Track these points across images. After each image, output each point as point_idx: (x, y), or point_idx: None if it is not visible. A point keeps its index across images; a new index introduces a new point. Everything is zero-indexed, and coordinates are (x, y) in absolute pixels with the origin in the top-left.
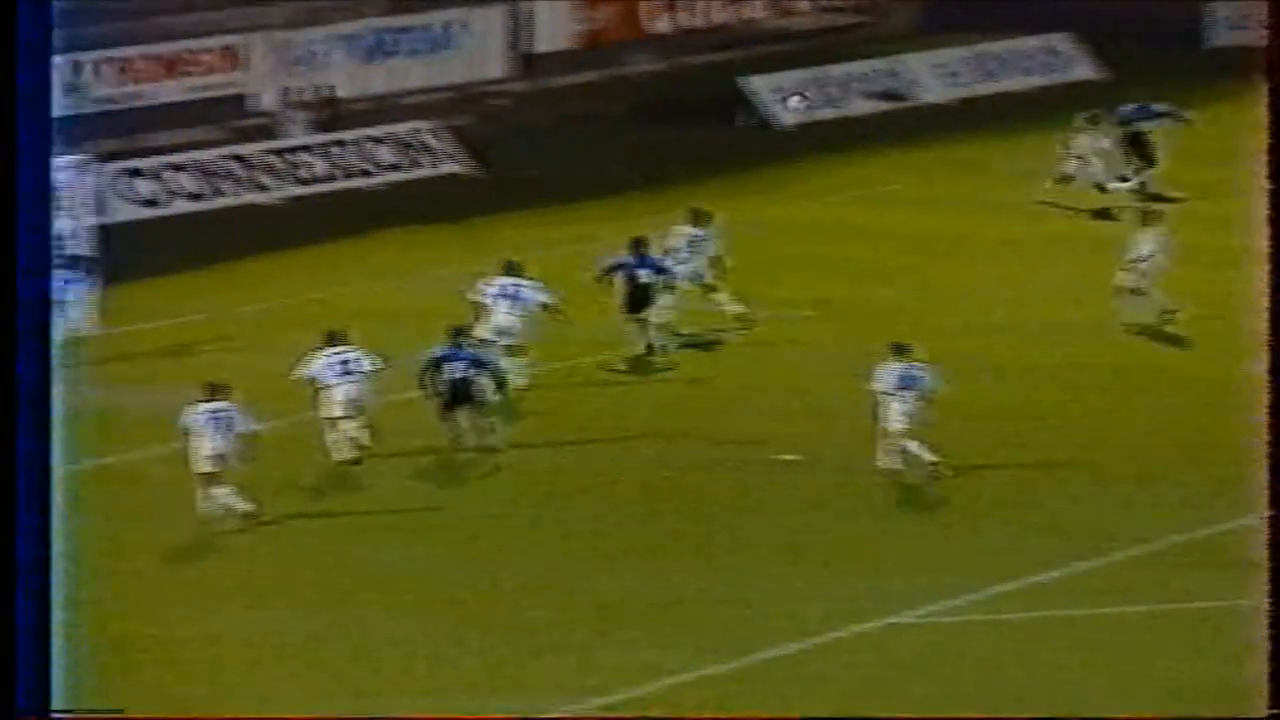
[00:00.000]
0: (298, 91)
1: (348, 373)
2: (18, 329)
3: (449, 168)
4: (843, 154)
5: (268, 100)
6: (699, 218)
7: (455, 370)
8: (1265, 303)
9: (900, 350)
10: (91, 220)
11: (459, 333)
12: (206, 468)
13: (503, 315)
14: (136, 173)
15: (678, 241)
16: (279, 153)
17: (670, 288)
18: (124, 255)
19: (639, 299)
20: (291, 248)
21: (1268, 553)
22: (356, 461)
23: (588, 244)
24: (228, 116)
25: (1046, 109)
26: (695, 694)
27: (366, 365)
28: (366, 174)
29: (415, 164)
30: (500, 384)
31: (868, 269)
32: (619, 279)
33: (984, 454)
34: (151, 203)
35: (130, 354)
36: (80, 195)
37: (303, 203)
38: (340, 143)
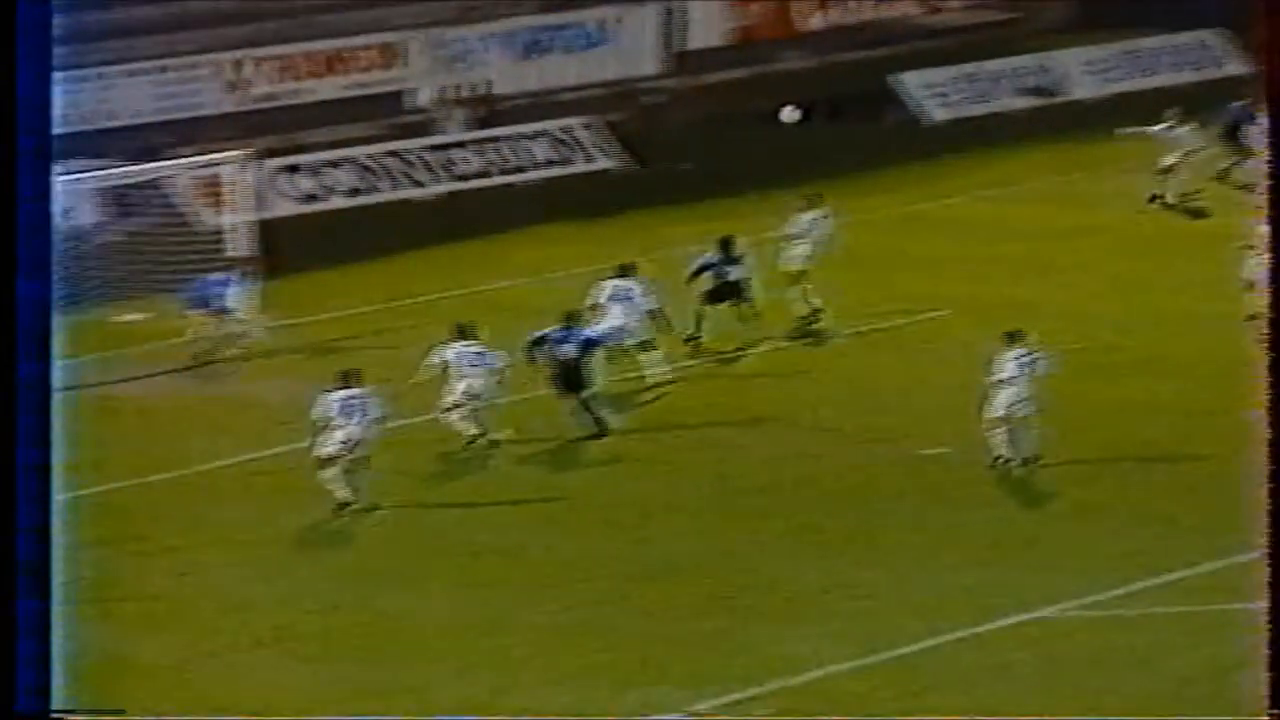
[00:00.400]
0: (454, 89)
1: (474, 365)
2: (18, 329)
3: (602, 163)
4: (991, 150)
5: (425, 97)
6: (811, 202)
7: (567, 351)
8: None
9: (1013, 337)
10: (251, 216)
11: (571, 317)
12: (330, 452)
13: (617, 317)
14: (296, 169)
15: (795, 228)
16: (435, 149)
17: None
18: (283, 250)
19: (723, 294)
20: (447, 243)
21: (1268, 553)
22: (472, 441)
23: (740, 238)
24: (385, 113)
25: (1197, 104)
26: (836, 686)
27: (491, 361)
28: (521, 170)
29: (569, 160)
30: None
31: (1011, 265)
32: (707, 277)
33: (1124, 448)
34: (311, 198)
35: (285, 349)
36: (241, 191)
37: (458, 198)
38: (495, 139)
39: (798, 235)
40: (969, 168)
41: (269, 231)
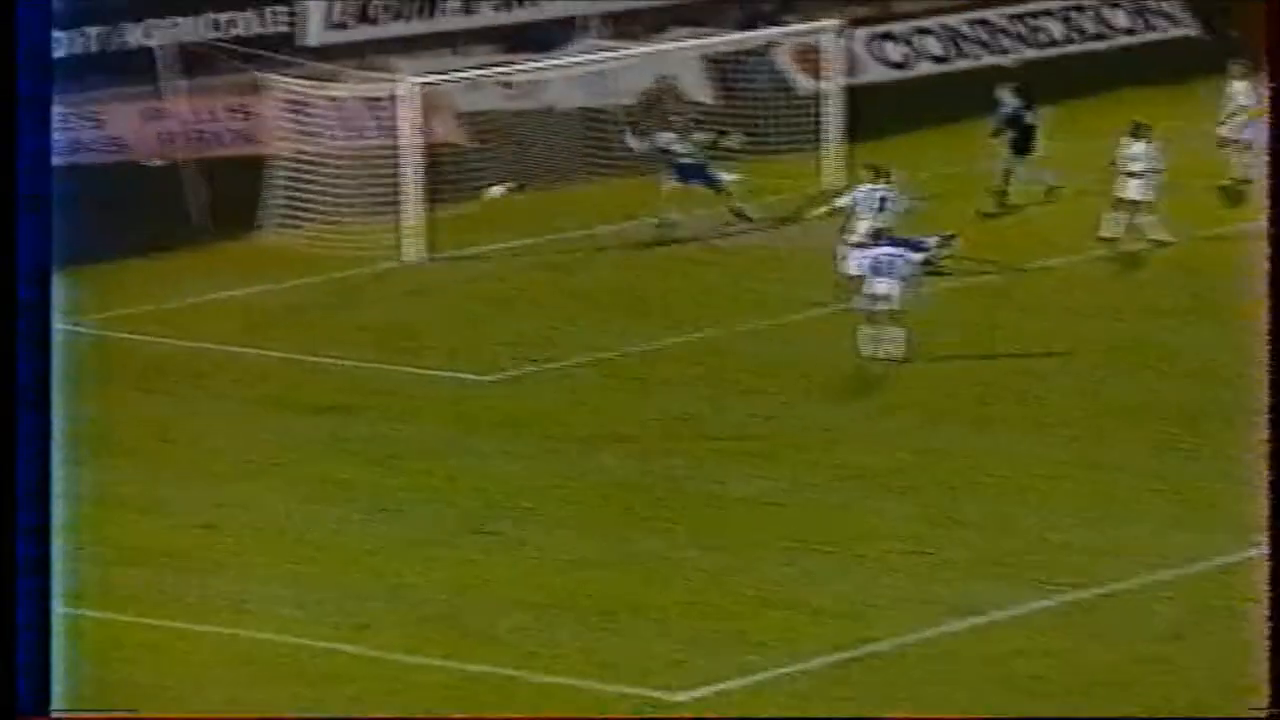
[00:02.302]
0: None
1: (877, 208)
2: (18, 329)
3: (1180, 31)
4: None
5: None
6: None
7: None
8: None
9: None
10: (841, 82)
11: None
12: (870, 307)
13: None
14: (888, 36)
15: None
16: (1019, 17)
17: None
18: (871, 115)
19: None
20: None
21: (1268, 554)
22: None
23: None
24: None
25: None
26: None
27: (895, 204)
28: (1101, 38)
29: (1150, 28)
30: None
31: None
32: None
33: None
34: (899, 65)
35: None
36: (836, 58)
37: (1036, 66)
38: (1080, 8)
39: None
40: None
41: (858, 97)
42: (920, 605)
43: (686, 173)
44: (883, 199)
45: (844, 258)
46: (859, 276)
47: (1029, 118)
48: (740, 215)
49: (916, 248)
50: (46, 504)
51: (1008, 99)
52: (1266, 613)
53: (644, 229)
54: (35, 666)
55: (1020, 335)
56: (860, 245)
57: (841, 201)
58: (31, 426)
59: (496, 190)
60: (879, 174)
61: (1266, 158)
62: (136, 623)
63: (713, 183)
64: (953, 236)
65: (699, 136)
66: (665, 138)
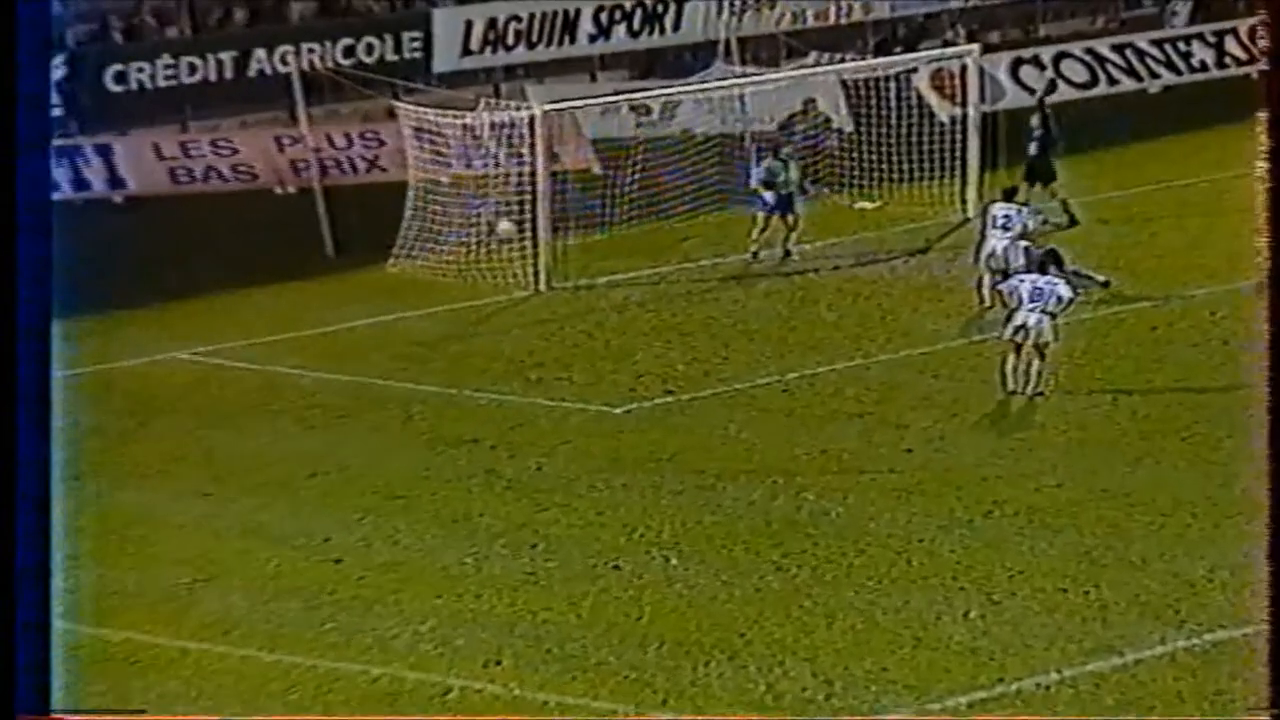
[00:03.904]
0: None
1: (1006, 228)
2: (18, 328)
3: None
4: None
5: None
6: None
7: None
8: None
9: None
10: (984, 109)
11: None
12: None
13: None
14: (1028, 61)
15: None
16: (1160, 43)
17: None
18: (1013, 141)
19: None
20: (1166, 135)
21: (1268, 554)
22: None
23: None
24: (1114, 7)
25: None
26: None
27: (1016, 222)
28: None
29: None
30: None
31: None
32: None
33: None
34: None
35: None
36: (973, 84)
37: (1174, 91)
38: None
39: None
40: None
41: (997, 123)
42: (1069, 645)
43: (777, 204)
44: (1010, 219)
45: (987, 284)
46: (1008, 306)
47: (1041, 146)
48: (786, 255)
49: (1070, 283)
50: (47, 505)
51: (1034, 125)
52: (1266, 613)
53: (778, 257)
54: (35, 666)
55: (1178, 366)
56: (1013, 273)
57: (971, 223)
58: (32, 427)
59: (505, 226)
60: (1009, 194)
61: (1267, 159)
62: (278, 661)
63: (789, 215)
64: (1106, 283)
65: (794, 172)
66: (774, 166)
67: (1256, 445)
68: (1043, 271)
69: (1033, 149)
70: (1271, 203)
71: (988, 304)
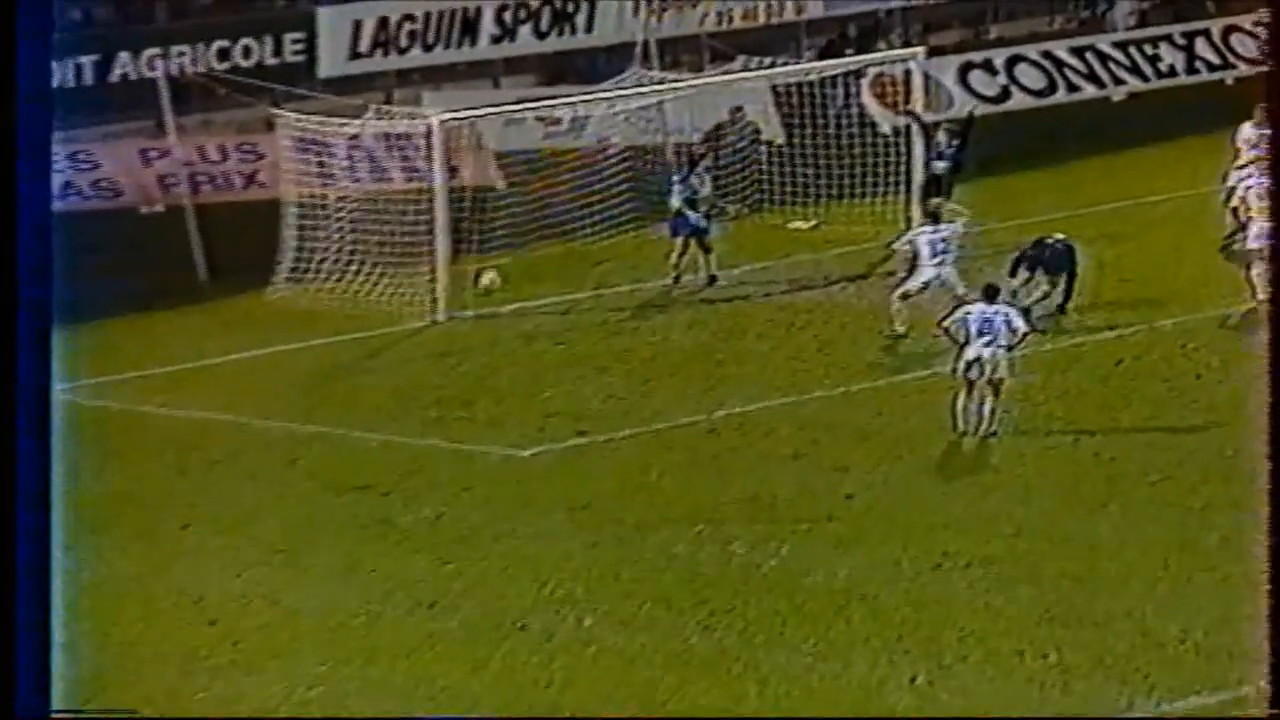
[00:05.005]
0: None
1: (939, 254)
2: (18, 329)
3: None
4: None
5: None
6: None
7: None
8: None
9: None
10: (927, 118)
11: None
12: (968, 374)
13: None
14: (984, 65)
15: None
16: (1124, 45)
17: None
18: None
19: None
20: (1129, 149)
21: (1268, 554)
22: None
23: None
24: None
25: None
26: None
27: (1017, 325)
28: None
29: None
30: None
31: None
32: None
33: None
34: (994, 99)
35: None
36: (917, 91)
37: (1140, 99)
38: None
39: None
40: None
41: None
42: (1026, 713)
43: (684, 226)
44: (944, 241)
45: (899, 312)
46: (958, 340)
47: (945, 164)
48: (711, 281)
49: (1024, 316)
50: (47, 505)
51: (942, 140)
52: (1266, 612)
53: (702, 283)
54: (35, 666)
55: (1146, 403)
56: (966, 303)
57: (898, 245)
58: (33, 427)
59: (488, 278)
60: (935, 216)
61: (1267, 159)
62: None
63: (704, 240)
64: (1063, 308)
65: (707, 191)
66: (696, 182)
67: (1236, 488)
68: (990, 300)
69: (940, 166)
70: (1272, 205)
71: (900, 331)
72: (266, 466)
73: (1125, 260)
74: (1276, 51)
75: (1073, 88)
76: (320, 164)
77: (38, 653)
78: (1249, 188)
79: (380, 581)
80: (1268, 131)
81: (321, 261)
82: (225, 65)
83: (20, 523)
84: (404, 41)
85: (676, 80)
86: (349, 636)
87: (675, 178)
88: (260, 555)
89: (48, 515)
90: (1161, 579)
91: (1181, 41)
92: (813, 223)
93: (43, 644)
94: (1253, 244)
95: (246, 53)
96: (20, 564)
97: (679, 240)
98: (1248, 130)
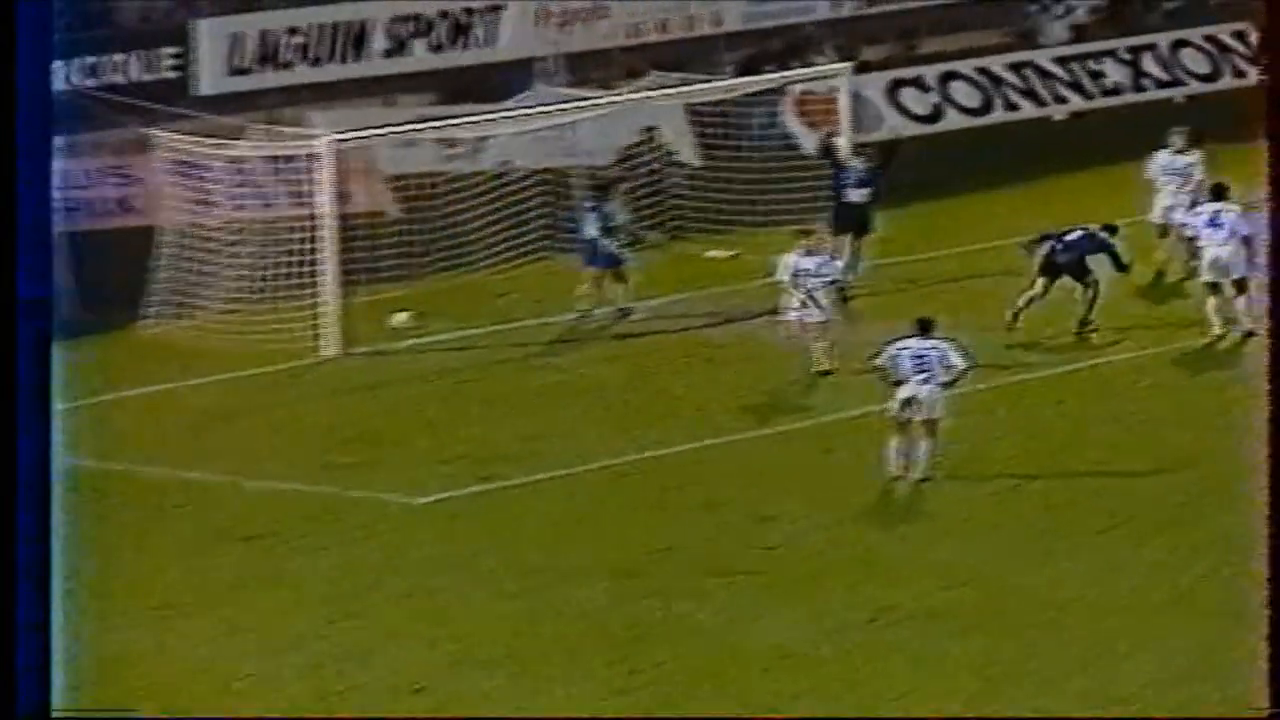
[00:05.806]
0: None
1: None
2: (18, 329)
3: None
4: None
5: None
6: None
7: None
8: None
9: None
10: (853, 137)
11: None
12: (902, 414)
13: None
14: (909, 83)
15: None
16: (1068, 60)
17: None
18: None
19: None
20: (1074, 171)
21: (1267, 554)
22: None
23: None
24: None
25: None
26: None
27: (953, 361)
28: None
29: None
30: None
31: None
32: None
33: None
34: (926, 117)
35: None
36: (846, 109)
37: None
38: (1142, 48)
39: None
40: None
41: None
42: None
43: (599, 255)
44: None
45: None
46: (893, 379)
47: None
48: (623, 314)
49: (962, 354)
50: (47, 504)
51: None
52: (1266, 612)
53: (614, 316)
54: (35, 666)
55: (1095, 446)
56: (898, 338)
57: (779, 276)
58: (33, 427)
59: (401, 317)
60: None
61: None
62: None
63: (620, 271)
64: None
65: (624, 219)
66: (609, 209)
67: (1193, 534)
68: (924, 334)
69: (858, 196)
70: (1272, 206)
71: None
72: (144, 516)
73: (1071, 292)
74: (1274, 67)
75: (1011, 106)
76: (199, 188)
77: (38, 652)
78: (1199, 214)
79: (269, 639)
80: (1191, 159)
81: (200, 293)
82: (95, 82)
83: (20, 523)
84: (289, 56)
85: (584, 98)
86: (234, 698)
87: (588, 204)
88: (141, 612)
89: (48, 515)
90: (1116, 633)
91: (1127, 57)
92: (732, 252)
93: (43, 644)
94: (1205, 276)
95: (118, 68)
96: (20, 564)
97: (592, 270)
98: (1164, 158)
